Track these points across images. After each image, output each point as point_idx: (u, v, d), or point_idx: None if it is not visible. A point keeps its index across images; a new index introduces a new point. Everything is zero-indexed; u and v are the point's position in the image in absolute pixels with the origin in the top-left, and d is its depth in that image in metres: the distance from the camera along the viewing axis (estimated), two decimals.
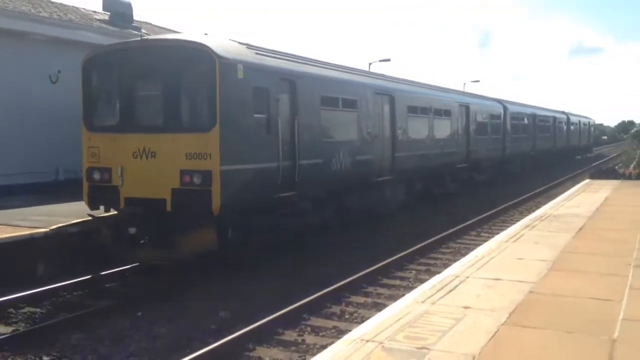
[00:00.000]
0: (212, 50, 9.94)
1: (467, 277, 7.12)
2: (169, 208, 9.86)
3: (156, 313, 8.52)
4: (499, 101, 28.79)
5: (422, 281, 9.65)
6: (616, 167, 26.68)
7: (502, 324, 5.40)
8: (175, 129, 10.01)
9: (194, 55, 10.03)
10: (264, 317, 7.76)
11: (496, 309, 5.81)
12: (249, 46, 11.32)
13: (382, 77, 17.27)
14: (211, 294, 9.30)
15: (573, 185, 23.44)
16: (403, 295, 8.54)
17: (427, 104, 18.42)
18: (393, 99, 15.87)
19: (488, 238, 12.22)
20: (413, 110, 17.16)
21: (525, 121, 32.90)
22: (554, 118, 40.21)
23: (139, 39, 11.12)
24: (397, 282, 10.17)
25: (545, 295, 6.24)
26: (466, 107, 21.97)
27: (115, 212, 10.58)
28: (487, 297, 6.23)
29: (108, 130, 10.67)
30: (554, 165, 37.74)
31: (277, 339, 7.40)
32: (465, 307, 5.91)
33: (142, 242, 9.99)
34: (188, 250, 10.02)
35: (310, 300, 8.61)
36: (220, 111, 9.74)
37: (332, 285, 9.45)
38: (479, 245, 11.68)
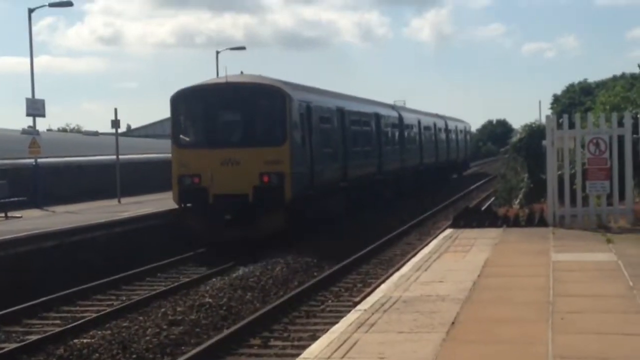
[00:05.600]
0: (283, 90, 17.51)
1: None
2: (250, 200, 16.52)
3: None
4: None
5: None
6: (492, 205, 20.78)
7: None
8: (255, 144, 16.98)
9: (271, 93, 17.41)
10: None
11: None
12: (288, 83, 18.89)
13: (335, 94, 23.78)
14: None
15: (432, 230, 18.92)
16: None
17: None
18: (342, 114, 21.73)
19: (293, 355, 8.33)
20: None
21: (415, 130, 32.55)
22: (435, 124, 37.58)
23: (225, 80, 17.71)
24: None
25: None
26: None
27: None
28: None
29: (198, 147, 17.33)
30: (436, 183, 34.94)
31: None
32: None
33: (231, 224, 16.38)
34: (267, 230, 16.45)
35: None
36: (289, 132, 17.07)
37: None
38: None
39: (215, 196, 16.71)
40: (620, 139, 13.48)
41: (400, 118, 30.20)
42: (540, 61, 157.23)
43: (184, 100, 17.89)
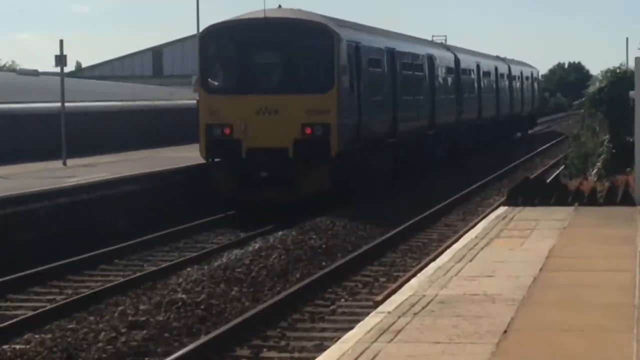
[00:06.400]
0: (331, 28, 19.80)
1: None
2: (290, 155, 18.81)
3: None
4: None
5: None
6: (561, 176, 22.11)
7: None
8: (297, 90, 19.41)
9: (317, 31, 19.79)
10: None
11: None
12: (334, 19, 21.51)
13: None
14: None
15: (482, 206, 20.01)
16: None
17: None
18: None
19: None
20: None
21: (473, 76, 35.61)
22: (496, 69, 40.00)
23: (262, 16, 19.64)
24: None
25: None
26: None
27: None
28: None
29: (229, 92, 19.78)
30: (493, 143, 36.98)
31: None
32: None
33: (267, 183, 18.97)
34: (308, 190, 18.81)
35: None
36: (336, 76, 19.42)
37: None
38: None
39: (249, 150, 18.95)
40: None
41: (457, 61, 32.63)
42: None
43: (214, 38, 20.43)
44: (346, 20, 23.27)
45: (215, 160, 19.72)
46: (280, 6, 21.52)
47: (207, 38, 20.73)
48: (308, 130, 18.97)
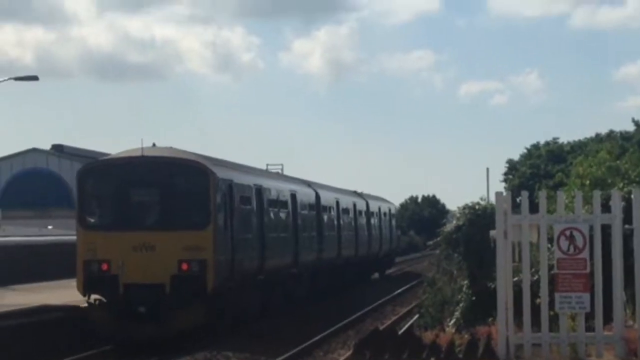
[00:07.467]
0: (207, 167, 23.82)
1: None
2: (167, 291, 22.31)
3: None
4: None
5: None
6: (415, 327, 22.49)
7: None
8: (174, 227, 23.17)
9: (194, 170, 23.99)
10: None
11: None
12: (209, 158, 26.13)
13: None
14: None
15: None
16: None
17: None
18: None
19: None
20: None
21: (333, 213, 40.03)
22: (354, 206, 44.45)
23: (140, 154, 23.74)
24: None
25: None
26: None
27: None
28: None
29: (106, 229, 23.55)
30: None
31: None
32: None
33: (144, 319, 22.09)
34: (183, 326, 22.27)
35: None
36: (213, 214, 23.38)
37: None
38: None
39: (126, 286, 22.29)
40: (606, 231, 14.12)
41: (318, 197, 37.46)
42: (487, 109, 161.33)
43: (91, 175, 24.66)
44: (218, 158, 27.55)
45: (93, 296, 22.73)
46: (154, 144, 25.13)
47: (84, 175, 24.56)
48: (185, 266, 22.46)
